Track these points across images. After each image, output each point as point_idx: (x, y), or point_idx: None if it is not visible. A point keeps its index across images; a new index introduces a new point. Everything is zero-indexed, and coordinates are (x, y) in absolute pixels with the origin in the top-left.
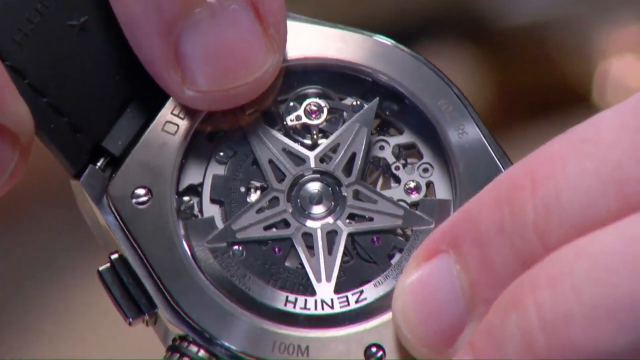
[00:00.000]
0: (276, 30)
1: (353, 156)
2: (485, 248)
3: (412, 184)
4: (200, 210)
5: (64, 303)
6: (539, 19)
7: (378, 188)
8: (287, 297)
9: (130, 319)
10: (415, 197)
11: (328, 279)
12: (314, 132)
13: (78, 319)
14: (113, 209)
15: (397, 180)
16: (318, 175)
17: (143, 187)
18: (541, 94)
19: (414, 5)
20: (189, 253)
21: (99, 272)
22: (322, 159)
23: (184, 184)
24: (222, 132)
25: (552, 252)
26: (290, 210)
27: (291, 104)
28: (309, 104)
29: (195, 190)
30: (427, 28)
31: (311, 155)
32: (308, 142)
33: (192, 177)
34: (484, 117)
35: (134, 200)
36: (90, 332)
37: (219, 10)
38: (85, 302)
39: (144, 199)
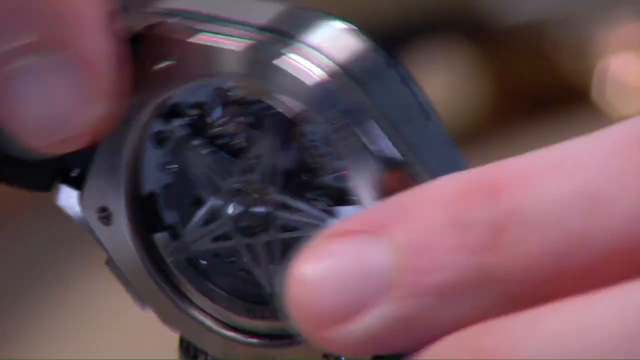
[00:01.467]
0: (101, 80)
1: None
2: (427, 238)
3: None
4: (161, 220)
5: (59, 302)
6: (537, 16)
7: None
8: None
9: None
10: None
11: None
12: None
13: (73, 318)
14: (88, 227)
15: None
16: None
17: (103, 206)
18: (540, 91)
19: (412, 4)
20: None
21: (107, 261)
22: (248, 168)
23: (140, 194)
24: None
25: (503, 260)
26: (230, 223)
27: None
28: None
29: (153, 198)
30: (426, 26)
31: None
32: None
33: (148, 185)
34: (482, 115)
35: (99, 218)
36: (86, 332)
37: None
38: (80, 301)
39: (105, 215)
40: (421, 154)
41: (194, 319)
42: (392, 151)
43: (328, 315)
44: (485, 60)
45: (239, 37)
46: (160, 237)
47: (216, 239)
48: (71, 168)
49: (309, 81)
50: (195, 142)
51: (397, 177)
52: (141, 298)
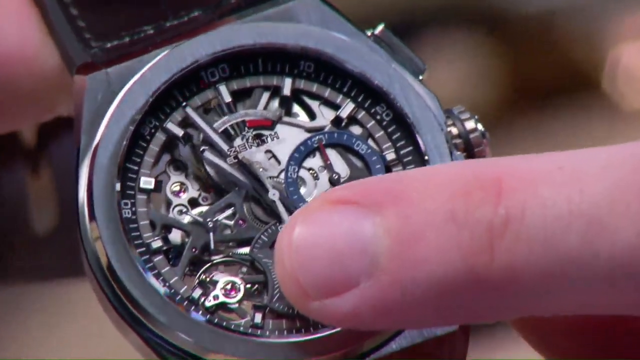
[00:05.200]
0: None
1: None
2: (422, 228)
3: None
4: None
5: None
6: (550, 6)
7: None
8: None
9: None
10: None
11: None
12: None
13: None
14: None
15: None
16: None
17: None
18: (552, 81)
19: None
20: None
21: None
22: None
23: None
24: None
25: (494, 266)
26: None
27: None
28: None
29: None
30: (438, 16)
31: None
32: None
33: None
34: (494, 105)
35: None
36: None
37: None
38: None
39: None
40: None
41: None
42: None
43: (313, 286)
44: (497, 50)
45: None
46: None
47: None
48: None
49: None
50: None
51: None
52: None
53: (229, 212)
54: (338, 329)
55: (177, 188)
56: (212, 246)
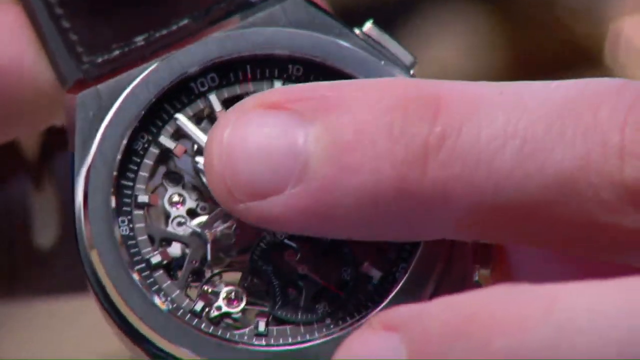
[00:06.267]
0: None
1: None
2: (358, 137)
3: None
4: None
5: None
6: None
7: None
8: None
9: None
10: None
11: None
12: None
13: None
14: None
15: None
16: None
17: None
18: (553, 54)
19: None
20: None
21: None
22: None
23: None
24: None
25: (425, 181)
26: None
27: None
28: None
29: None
30: None
31: None
32: None
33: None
34: (495, 79)
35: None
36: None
37: None
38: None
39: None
40: None
41: None
42: None
43: (240, 187)
44: (497, 24)
45: None
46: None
47: None
48: None
49: None
50: None
51: None
52: None
53: (227, 220)
54: (342, 333)
55: (176, 199)
56: (208, 257)
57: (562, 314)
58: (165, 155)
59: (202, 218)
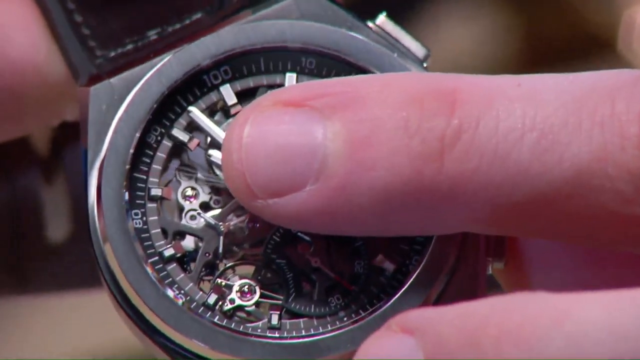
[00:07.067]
0: None
1: None
2: (375, 133)
3: None
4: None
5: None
6: None
7: None
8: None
9: None
10: None
11: None
12: None
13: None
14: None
15: None
16: None
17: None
18: (566, 42)
19: None
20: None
21: None
22: None
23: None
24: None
25: (442, 176)
26: None
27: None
28: None
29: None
30: None
31: None
32: None
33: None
34: (508, 66)
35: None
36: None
37: None
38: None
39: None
40: None
41: None
42: None
43: (259, 185)
44: (510, 11)
45: None
46: None
47: None
48: None
49: None
50: None
51: None
52: None
53: (240, 213)
54: (354, 326)
55: (190, 193)
56: (220, 250)
57: (575, 326)
58: (179, 148)
59: (216, 211)
